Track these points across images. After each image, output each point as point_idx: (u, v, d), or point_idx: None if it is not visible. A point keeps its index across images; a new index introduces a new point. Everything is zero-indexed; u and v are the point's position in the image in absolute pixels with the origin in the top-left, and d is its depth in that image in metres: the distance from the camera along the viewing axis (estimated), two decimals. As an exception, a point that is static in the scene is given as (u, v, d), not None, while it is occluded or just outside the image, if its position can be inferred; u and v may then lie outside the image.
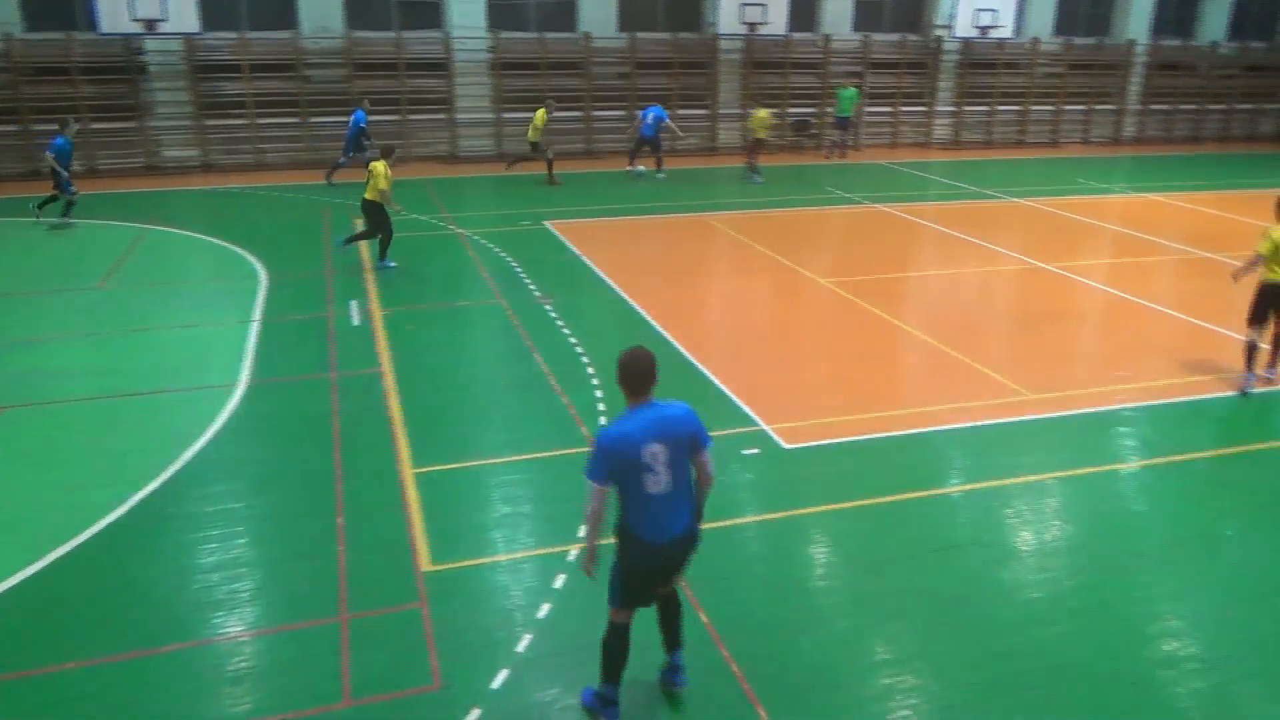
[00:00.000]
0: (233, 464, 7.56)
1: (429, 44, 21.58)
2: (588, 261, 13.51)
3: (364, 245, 13.70)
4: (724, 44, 23.34)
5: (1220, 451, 7.94)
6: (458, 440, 7.98)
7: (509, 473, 7.42)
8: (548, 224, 15.80)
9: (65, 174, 14.99)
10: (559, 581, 5.98)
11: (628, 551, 4.61)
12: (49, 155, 14.99)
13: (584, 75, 22.58)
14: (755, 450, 7.76)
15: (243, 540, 6.46)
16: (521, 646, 5.39)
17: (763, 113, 20.38)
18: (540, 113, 19.00)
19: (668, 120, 19.88)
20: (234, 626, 5.56)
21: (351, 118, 18.67)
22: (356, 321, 10.85)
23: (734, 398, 8.78)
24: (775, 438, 7.96)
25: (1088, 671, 5.28)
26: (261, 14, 20.68)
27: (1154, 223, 16.83)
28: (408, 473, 7.35)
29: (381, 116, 20.90)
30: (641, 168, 20.38)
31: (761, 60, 23.82)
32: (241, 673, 5.18)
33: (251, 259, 13.46)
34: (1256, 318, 9.07)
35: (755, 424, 8.21)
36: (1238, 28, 28.03)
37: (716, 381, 9.18)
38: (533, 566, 6.17)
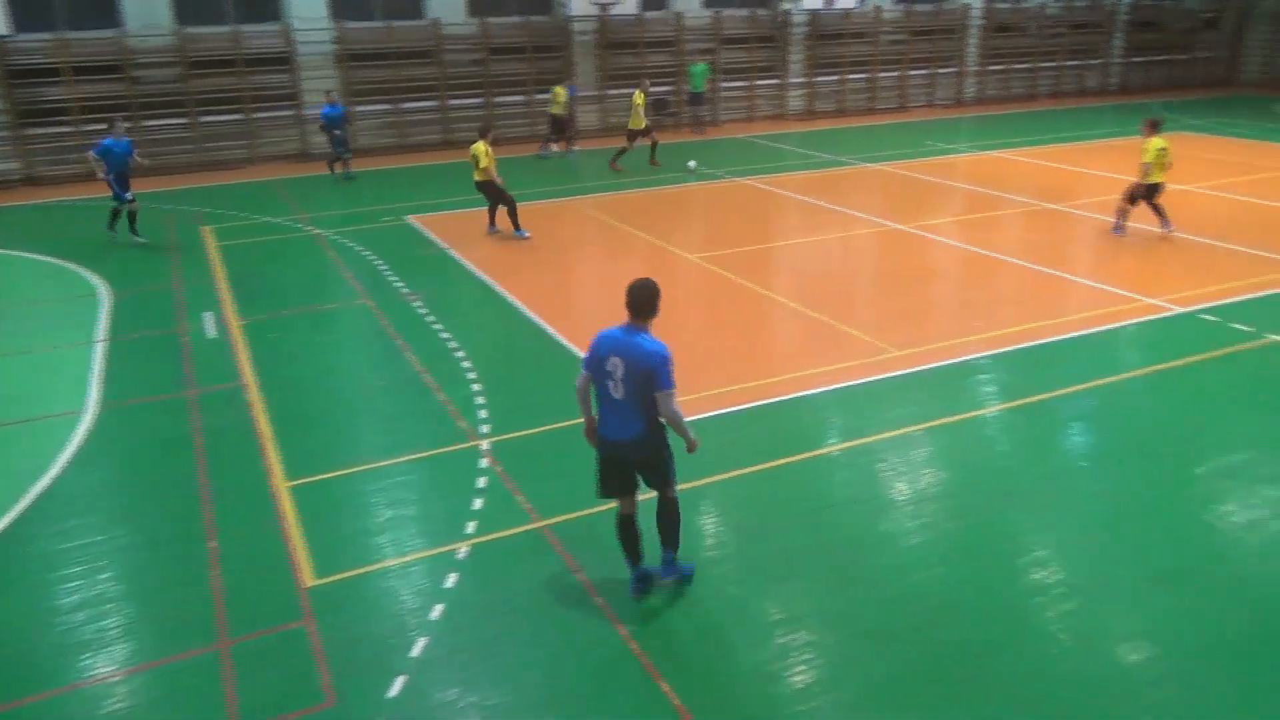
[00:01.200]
0: (88, 495, 7.09)
1: (268, 37, 20.63)
2: (455, 255, 13.26)
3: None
4: (577, 26, 23.21)
5: (1071, 389, 8.43)
6: (332, 448, 7.71)
7: (389, 476, 7.22)
8: (410, 219, 15.41)
9: None
10: (450, 581, 5.87)
11: (596, 444, 5.54)
12: None
13: (437, 64, 22.07)
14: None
15: (107, 575, 6.07)
16: (416, 651, 5.27)
17: (559, 90, 20.64)
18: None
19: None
20: (104, 667, 5.22)
21: (321, 114, 18.47)
22: (212, 334, 10.32)
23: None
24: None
25: (968, 607, 5.54)
26: (81, 12, 19.29)
27: (999, 178, 17.71)
28: (281, 487, 7.05)
29: (223, 116, 19.92)
30: (555, 148, 20.98)
31: (615, 41, 23.82)
32: (118, 715, 4.88)
33: (90, 276, 12.61)
34: (1134, 200, 13.08)
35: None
36: (1060, -11, 29.72)
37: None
38: (422, 569, 6.03)
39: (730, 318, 10.70)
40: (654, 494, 5.67)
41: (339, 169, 18.85)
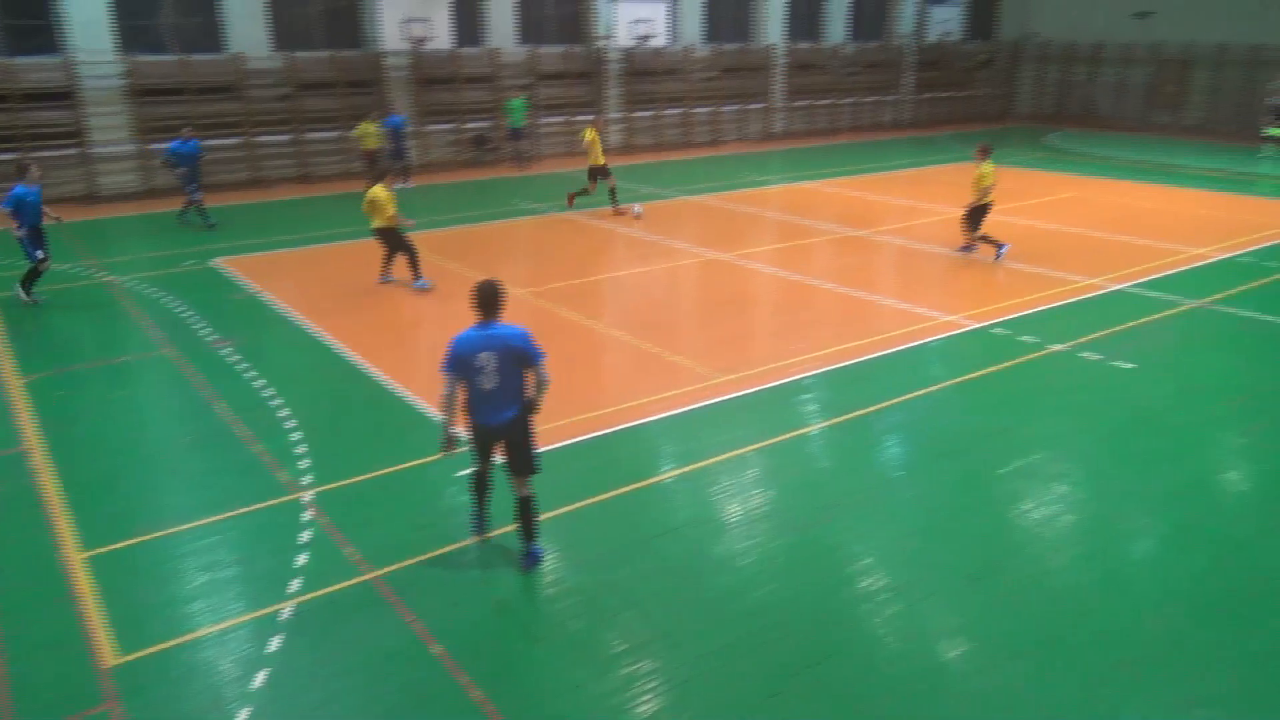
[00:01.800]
0: None
1: (46, 71, 19.10)
2: (267, 298, 12.60)
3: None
4: (390, 61, 22.79)
5: (884, 404, 8.91)
6: (133, 513, 7.10)
7: (201, 538, 6.71)
8: (216, 262, 14.55)
9: None
10: (274, 644, 5.51)
11: (469, 428, 6.20)
12: None
13: (240, 99, 21.08)
14: (472, 469, 7.60)
15: None
16: (237, 724, 4.89)
17: (368, 125, 20.14)
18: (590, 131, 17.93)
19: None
20: None
21: (185, 147, 16.89)
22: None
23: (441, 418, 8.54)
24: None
25: (802, 620, 5.71)
26: None
27: (808, 208, 18.65)
28: (74, 559, 6.42)
29: (-2, 157, 18.23)
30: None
31: (430, 76, 23.54)
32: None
33: None
34: (976, 224, 14.12)
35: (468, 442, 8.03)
36: (856, 30, 31.81)
37: (420, 404, 8.90)
38: (242, 635, 5.62)
39: (559, 351, 10.65)
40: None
41: (188, 208, 17.21)
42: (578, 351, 10.66)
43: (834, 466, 7.94)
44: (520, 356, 5.89)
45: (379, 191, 12.50)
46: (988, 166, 13.86)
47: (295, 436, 8.22)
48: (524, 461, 6.17)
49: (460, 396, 6.03)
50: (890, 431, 8.48)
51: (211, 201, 19.72)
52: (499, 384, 5.91)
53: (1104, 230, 16.28)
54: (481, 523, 6.59)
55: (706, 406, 8.88)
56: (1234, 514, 7.04)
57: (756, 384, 9.38)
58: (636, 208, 16.89)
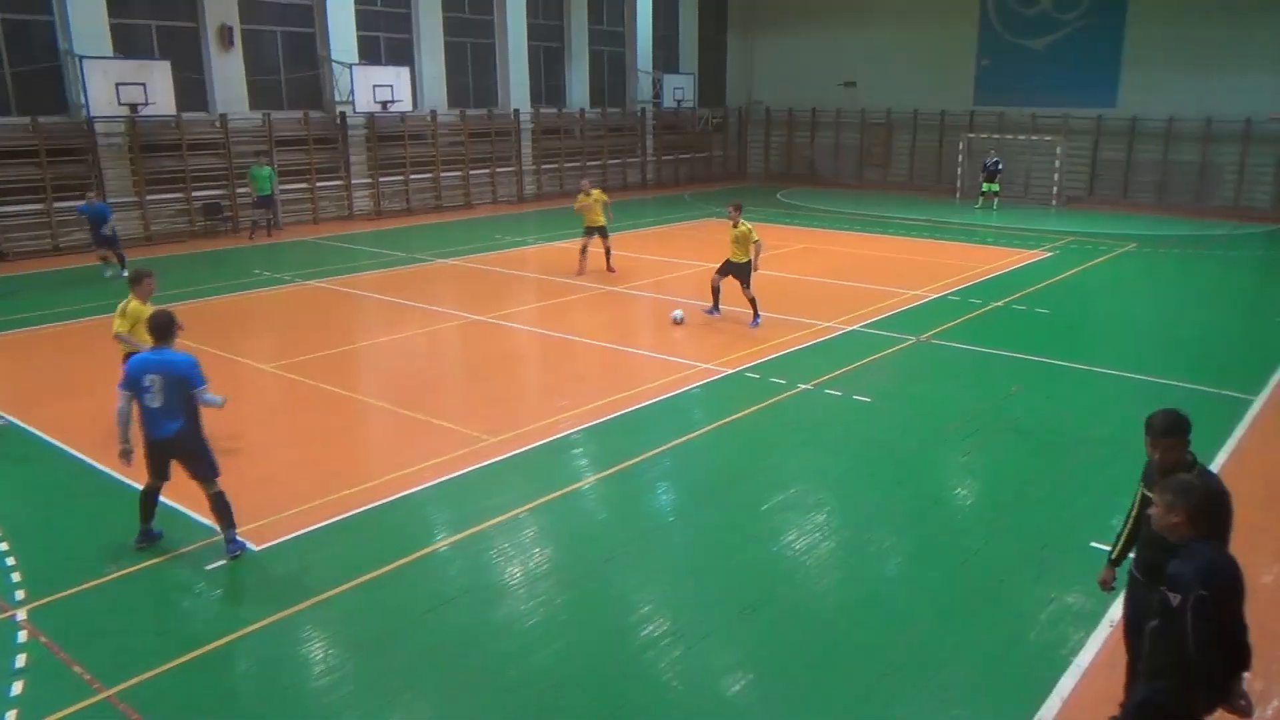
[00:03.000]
0: None
1: None
2: (-36, 390, 11.02)
3: None
4: (101, 127, 20.95)
5: (652, 452, 9.13)
6: None
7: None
8: (-104, 353, 12.58)
9: None
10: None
11: (144, 444, 6.89)
12: None
13: (-80, 170, 18.56)
14: (221, 562, 6.98)
15: None
16: None
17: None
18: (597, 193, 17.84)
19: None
20: None
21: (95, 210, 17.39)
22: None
23: (183, 509, 7.77)
24: (243, 541, 7.24)
25: (588, 676, 5.65)
26: None
27: (563, 267, 18.95)
28: None
29: None
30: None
31: (151, 143, 21.88)
32: None
33: None
34: (748, 282, 13.79)
35: (215, 533, 7.36)
36: (596, 96, 33.09)
37: (160, 499, 8.07)
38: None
39: (315, 426, 10.10)
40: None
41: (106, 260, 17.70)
42: (337, 424, 10.13)
43: (608, 518, 8.01)
44: (181, 380, 6.70)
45: (136, 307, 8.79)
46: (746, 225, 13.73)
47: (1, 546, 7.18)
48: (202, 468, 6.95)
49: (136, 412, 6.77)
50: (659, 479, 8.69)
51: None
52: (163, 403, 6.70)
53: (834, 277, 17.78)
54: (146, 537, 7.12)
55: (476, 470, 8.70)
56: (962, 527, 7.78)
57: (526, 443, 9.33)
58: (677, 313, 14.10)
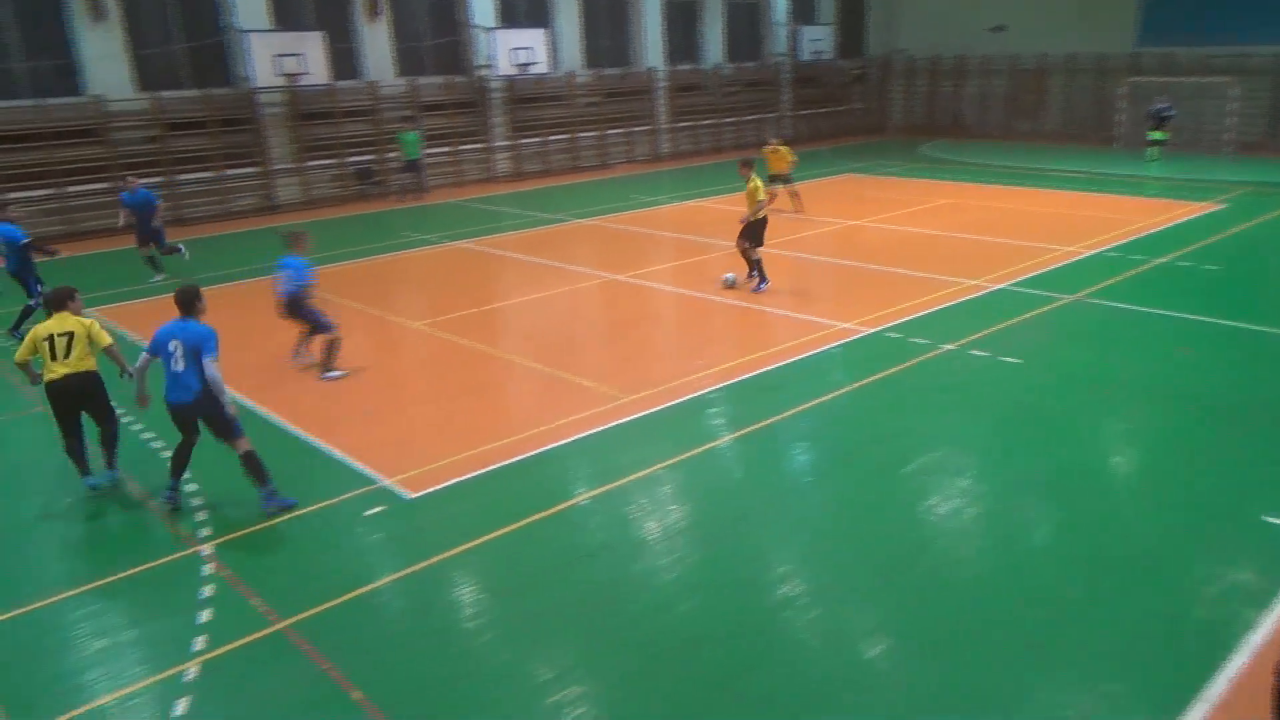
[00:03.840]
0: None
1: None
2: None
3: None
4: (264, 97, 22.19)
5: (789, 412, 9.09)
6: (15, 582, 6.64)
7: (92, 602, 6.33)
8: (96, 311, 13.81)
9: None
10: (180, 707, 5.23)
11: (169, 410, 7.40)
12: None
13: (103, 143, 20.16)
14: (380, 508, 7.42)
15: None
16: (145, 797, 4.61)
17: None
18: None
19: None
20: None
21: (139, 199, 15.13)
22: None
23: (345, 459, 8.33)
24: (398, 490, 7.68)
25: (725, 633, 5.74)
26: None
27: (698, 226, 18.94)
28: (-48, 636, 5.97)
29: None
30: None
31: (308, 111, 23.02)
32: None
33: None
34: (758, 241, 13.40)
35: (374, 481, 7.85)
36: (732, 51, 32.61)
37: (322, 445, 8.65)
38: (144, 701, 5.32)
39: (461, 381, 10.54)
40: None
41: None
42: (481, 380, 10.53)
43: (744, 477, 8.04)
44: (197, 348, 7.19)
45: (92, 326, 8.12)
46: (757, 180, 13.40)
47: (191, 488, 7.86)
48: (224, 429, 7.34)
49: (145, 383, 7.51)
50: (796, 439, 8.65)
51: (80, 249, 18.81)
52: (184, 368, 7.20)
53: (981, 233, 17.06)
54: (174, 496, 7.49)
55: (615, 427, 8.89)
56: (1119, 498, 7.42)
57: (663, 401, 9.44)
58: (729, 276, 14.01)
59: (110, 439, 8.07)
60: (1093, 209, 19.21)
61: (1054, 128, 32.21)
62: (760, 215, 13.33)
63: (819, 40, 33.88)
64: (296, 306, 10.45)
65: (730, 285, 13.70)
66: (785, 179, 19.10)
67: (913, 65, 35.90)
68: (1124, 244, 15.68)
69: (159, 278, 15.54)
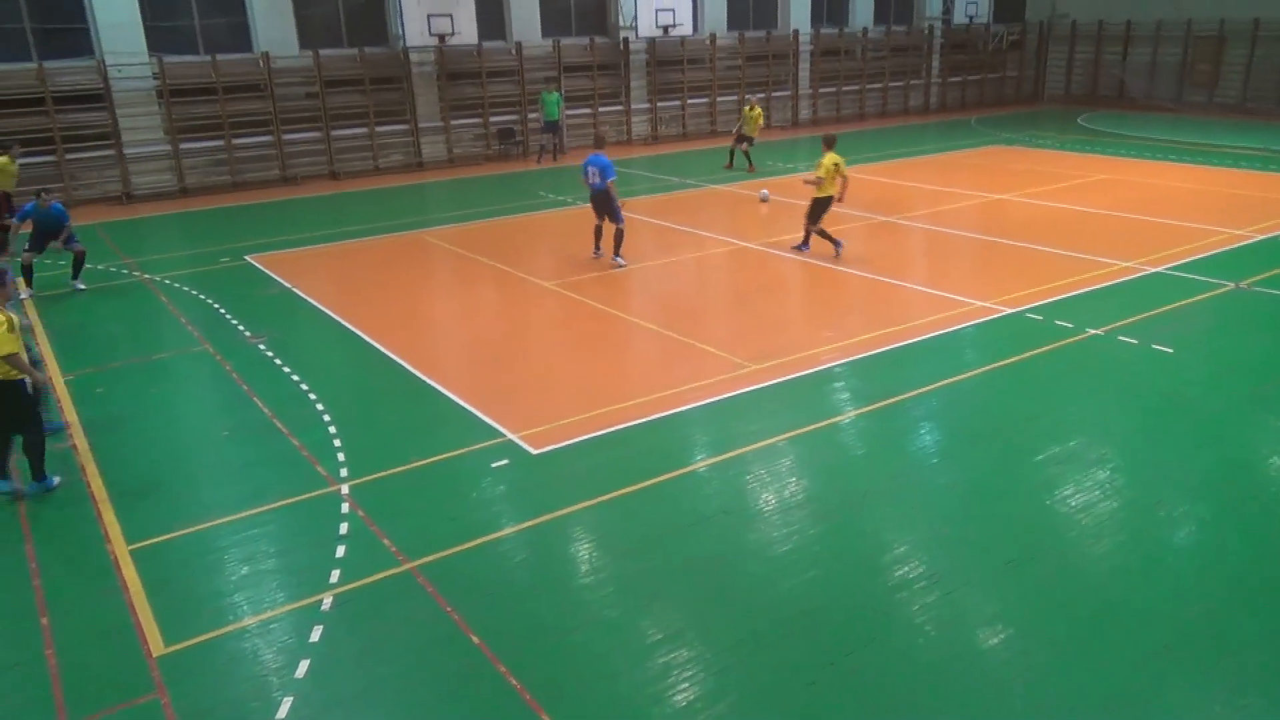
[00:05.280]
0: (-107, 581, 6.38)
1: (79, 74, 19.39)
2: (300, 293, 12.74)
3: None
4: (415, 56, 22.89)
5: (918, 391, 8.86)
6: (177, 505, 7.23)
7: (242, 530, 6.82)
8: (250, 258, 14.74)
9: None
10: (315, 634, 5.59)
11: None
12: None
13: (267, 98, 21.28)
14: (504, 461, 7.67)
15: (-82, 667, 5.47)
16: (282, 713, 4.98)
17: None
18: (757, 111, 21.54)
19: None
20: (-81, 771, 4.69)
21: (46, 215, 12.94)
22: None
23: (475, 411, 8.63)
24: (522, 445, 7.92)
25: (838, 608, 5.69)
26: None
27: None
28: (121, 551, 6.55)
29: (34, 158, 18.49)
30: None
31: (455, 71, 23.63)
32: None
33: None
34: (815, 218, 13.64)
35: (500, 434, 8.11)
36: (881, 15, 31.52)
37: (454, 397, 8.98)
38: (284, 625, 5.71)
39: (589, 342, 10.72)
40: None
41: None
42: (608, 341, 10.69)
43: (867, 454, 7.90)
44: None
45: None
46: (829, 158, 13.18)
47: (331, 430, 8.32)
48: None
49: None
50: (924, 418, 8.42)
51: (242, 200, 20.01)
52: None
53: (1139, 212, 16.04)
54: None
55: (738, 395, 8.87)
56: (1269, 500, 6.93)
57: (788, 372, 9.36)
58: (764, 192, 18.26)
59: (32, 447, 7.25)
60: (1268, 190, 17.74)
61: (1231, 99, 29.81)
62: (824, 194, 13.47)
63: (975, 3, 32.32)
64: (605, 198, 13.29)
65: (764, 200, 17.50)
66: (749, 139, 21.39)
67: (1075, 30, 33.82)
68: (1303, 229, 14.46)
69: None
